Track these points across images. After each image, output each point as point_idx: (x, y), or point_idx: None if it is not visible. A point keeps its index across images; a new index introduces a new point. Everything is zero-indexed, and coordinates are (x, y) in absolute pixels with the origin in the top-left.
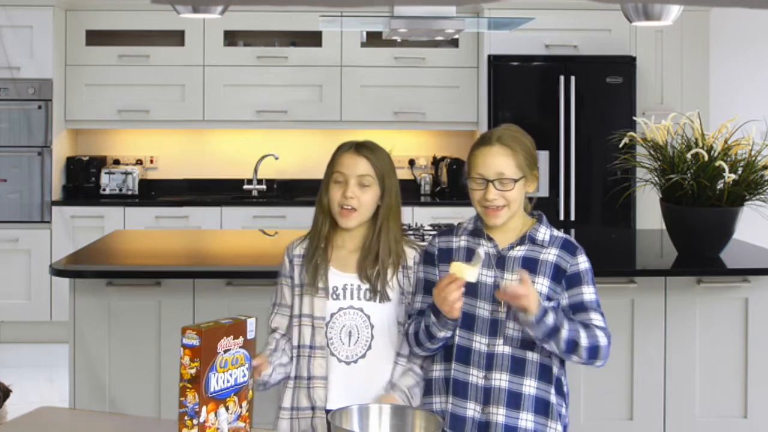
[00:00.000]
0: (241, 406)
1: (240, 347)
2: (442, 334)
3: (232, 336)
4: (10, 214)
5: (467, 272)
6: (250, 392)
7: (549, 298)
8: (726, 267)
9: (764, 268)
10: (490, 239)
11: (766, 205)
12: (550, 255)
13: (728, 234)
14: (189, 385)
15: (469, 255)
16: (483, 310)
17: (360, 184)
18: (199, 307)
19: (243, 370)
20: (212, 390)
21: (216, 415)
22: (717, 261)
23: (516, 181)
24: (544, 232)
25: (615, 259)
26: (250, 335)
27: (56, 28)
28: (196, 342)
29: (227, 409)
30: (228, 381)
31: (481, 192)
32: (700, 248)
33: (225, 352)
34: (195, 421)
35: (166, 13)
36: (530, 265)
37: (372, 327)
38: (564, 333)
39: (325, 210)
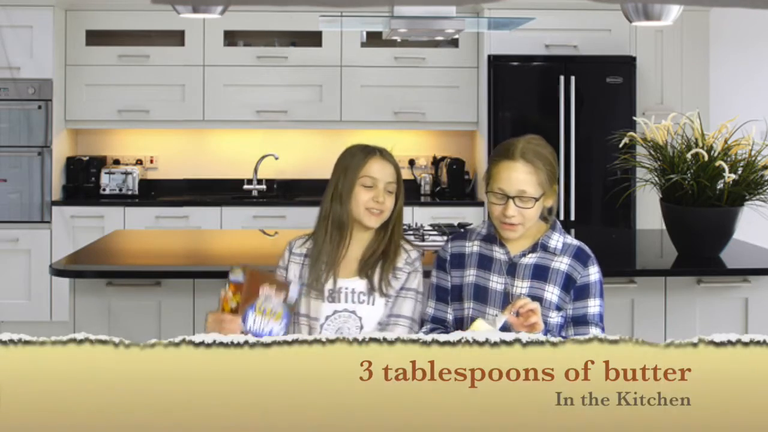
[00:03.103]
0: None
1: (281, 302)
2: None
3: (276, 287)
4: (10, 214)
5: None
6: None
7: (558, 308)
8: (726, 267)
9: (764, 268)
10: (502, 245)
11: (766, 205)
12: (562, 264)
13: (728, 234)
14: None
15: (482, 261)
16: (492, 316)
17: (387, 189)
18: (199, 307)
19: (280, 325)
20: (248, 327)
21: None
22: (717, 261)
23: (537, 199)
24: (556, 240)
25: (615, 259)
26: (291, 300)
27: (56, 28)
28: (240, 278)
29: None
30: (263, 328)
31: (500, 207)
32: (700, 248)
33: (266, 300)
34: None
35: (166, 13)
36: (541, 272)
37: (361, 329)
38: None
39: (350, 213)
